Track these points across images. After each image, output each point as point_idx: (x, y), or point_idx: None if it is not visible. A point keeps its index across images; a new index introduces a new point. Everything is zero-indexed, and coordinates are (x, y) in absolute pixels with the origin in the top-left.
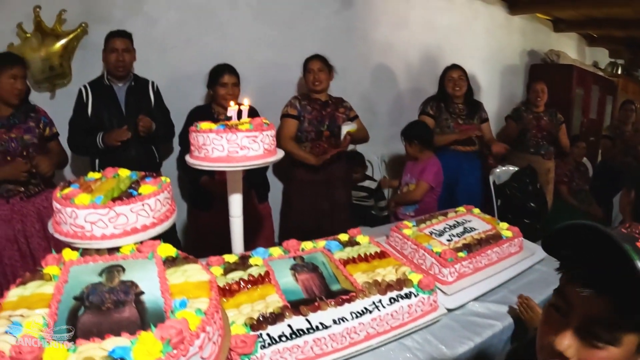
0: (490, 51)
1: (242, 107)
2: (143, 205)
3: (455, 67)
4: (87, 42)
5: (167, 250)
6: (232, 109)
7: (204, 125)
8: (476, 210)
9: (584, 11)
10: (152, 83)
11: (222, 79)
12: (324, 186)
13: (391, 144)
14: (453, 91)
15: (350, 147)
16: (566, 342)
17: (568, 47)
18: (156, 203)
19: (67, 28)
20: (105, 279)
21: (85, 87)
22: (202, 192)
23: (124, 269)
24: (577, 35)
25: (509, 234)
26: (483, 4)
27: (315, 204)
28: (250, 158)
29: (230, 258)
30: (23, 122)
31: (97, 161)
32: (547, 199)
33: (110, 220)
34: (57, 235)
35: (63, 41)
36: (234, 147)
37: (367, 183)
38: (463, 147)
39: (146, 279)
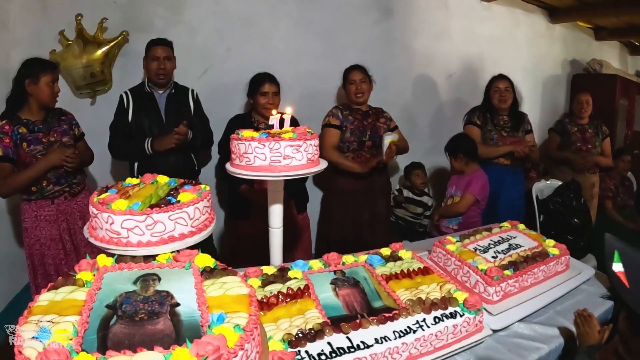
0: (532, 61)
1: (284, 116)
2: (181, 213)
3: (502, 77)
4: (128, 49)
5: (205, 260)
6: (274, 118)
7: (246, 133)
8: (521, 226)
9: (625, 18)
10: (192, 91)
11: (262, 88)
12: (364, 197)
13: (432, 155)
14: (499, 103)
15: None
16: None
17: (610, 56)
18: (195, 211)
19: (108, 36)
20: (140, 287)
21: (126, 93)
22: (241, 200)
23: (159, 278)
24: (619, 43)
25: (555, 251)
26: (523, 12)
27: (356, 214)
28: (292, 168)
29: (268, 270)
30: (57, 125)
31: (135, 166)
32: (591, 215)
33: (147, 227)
34: (92, 240)
35: (104, 48)
36: (277, 156)
37: (425, 199)
38: (506, 159)
39: (182, 290)
